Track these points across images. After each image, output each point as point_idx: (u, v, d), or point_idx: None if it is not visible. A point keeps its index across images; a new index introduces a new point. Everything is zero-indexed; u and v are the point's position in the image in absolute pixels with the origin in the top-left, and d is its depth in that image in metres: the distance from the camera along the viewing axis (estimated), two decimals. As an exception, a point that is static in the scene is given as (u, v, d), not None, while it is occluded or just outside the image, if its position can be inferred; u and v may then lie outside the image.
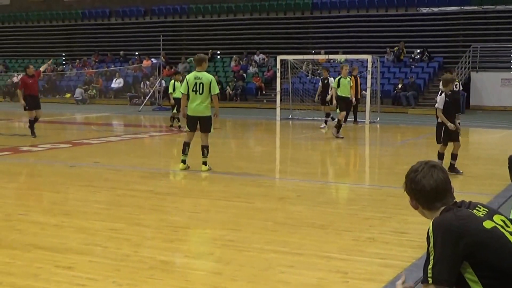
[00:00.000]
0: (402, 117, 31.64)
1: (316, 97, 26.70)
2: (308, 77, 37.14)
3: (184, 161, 14.39)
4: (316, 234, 8.79)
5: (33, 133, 21.31)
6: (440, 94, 13.59)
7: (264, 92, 40.60)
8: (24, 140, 21.06)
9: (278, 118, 28.86)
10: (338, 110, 22.15)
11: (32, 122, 21.43)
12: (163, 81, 39.66)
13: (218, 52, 45.21)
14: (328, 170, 15.39)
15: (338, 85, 22.17)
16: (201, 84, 13.88)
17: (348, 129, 24.79)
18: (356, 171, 16.22)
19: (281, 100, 29.80)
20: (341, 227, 9.16)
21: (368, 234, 8.73)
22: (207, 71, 14.27)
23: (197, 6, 46.82)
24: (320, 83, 26.39)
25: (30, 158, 16.87)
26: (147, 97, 39.33)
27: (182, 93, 14.57)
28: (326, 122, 25.60)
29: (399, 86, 36.57)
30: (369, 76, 28.15)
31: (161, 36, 40.34)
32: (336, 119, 21.62)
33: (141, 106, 37.03)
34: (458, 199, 4.15)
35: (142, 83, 43.03)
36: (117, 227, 9.20)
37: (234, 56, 43.51)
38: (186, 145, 14.35)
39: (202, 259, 7.71)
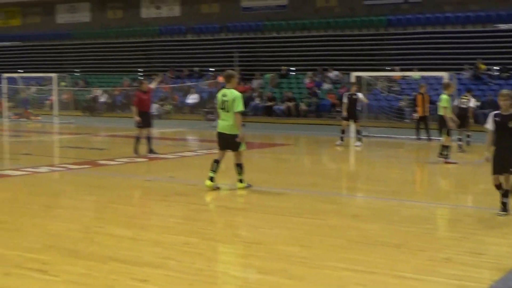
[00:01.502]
0: (481, 135, 31.08)
1: (344, 112, 26.17)
2: (383, 94, 36.93)
3: (211, 179, 13.77)
4: (390, 253, 8.71)
5: (136, 152, 20.38)
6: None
7: (338, 109, 40.43)
8: (102, 154, 21.44)
9: (352, 135, 28.72)
10: (442, 133, 19.83)
11: (139, 140, 20.47)
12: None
13: (293, 68, 45.26)
14: (402, 188, 15.21)
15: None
16: (226, 102, 13.60)
17: (422, 147, 24.58)
18: (432, 189, 15.99)
19: (355, 117, 29.69)
20: (415, 247, 9.05)
21: (444, 254, 8.60)
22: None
23: (272, 23, 47.02)
24: (346, 99, 25.89)
25: (107, 171, 17.17)
26: (222, 113, 39.57)
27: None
28: (342, 138, 25.36)
29: (477, 103, 36.03)
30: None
31: (236, 52, 40.63)
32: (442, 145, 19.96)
33: (215, 121, 37.21)
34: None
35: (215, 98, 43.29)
36: (191, 241, 9.28)
37: (309, 72, 43.49)
38: (215, 162, 13.85)
39: (275, 275, 7.70)
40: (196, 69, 46.81)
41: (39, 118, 40.44)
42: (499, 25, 40.23)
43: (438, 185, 16.81)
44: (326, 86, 41.98)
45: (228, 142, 13.83)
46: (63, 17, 56.56)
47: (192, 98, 44.75)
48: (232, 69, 40.71)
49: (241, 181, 13.95)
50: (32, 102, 44.42)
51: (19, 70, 46.54)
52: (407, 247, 9.01)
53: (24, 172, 16.60)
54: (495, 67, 38.74)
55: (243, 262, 8.26)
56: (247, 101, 42.37)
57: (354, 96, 25.63)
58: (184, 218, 11.27)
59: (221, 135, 13.95)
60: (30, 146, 26.12)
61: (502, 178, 11.38)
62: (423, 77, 34.79)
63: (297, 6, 46.49)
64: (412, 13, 42.84)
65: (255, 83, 44.53)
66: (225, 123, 13.80)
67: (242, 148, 13.86)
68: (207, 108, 42.06)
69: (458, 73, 36.77)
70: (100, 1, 54.34)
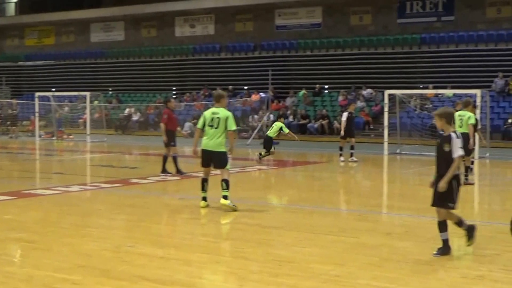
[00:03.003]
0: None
1: (342, 131, 26.30)
2: (416, 112, 36.86)
3: (204, 198, 14.06)
4: (423, 270, 8.66)
5: (165, 171, 20.15)
6: None
7: (371, 127, 40.39)
8: (134, 173, 21.52)
9: (385, 152, 28.67)
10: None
11: (166, 158, 20.10)
12: (271, 115, 40.00)
13: (326, 86, 45.28)
14: (436, 206, 15.09)
15: None
16: (218, 119, 13.67)
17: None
18: (465, 207, 15.86)
19: (388, 134, 29.66)
20: (448, 264, 9.01)
21: (477, 272, 8.55)
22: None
23: (305, 41, 47.13)
24: (345, 117, 26.13)
25: (139, 190, 17.23)
26: (255, 131, 39.68)
27: (197, 128, 14.30)
28: (341, 155, 25.94)
29: (509, 120, 35.81)
30: (478, 111, 27.61)
31: (270, 70, 40.71)
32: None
33: (250, 140, 37.33)
34: None
35: (250, 117, 43.45)
36: (223, 260, 9.29)
37: (342, 90, 43.49)
38: (204, 181, 14.07)
39: (307, 294, 7.68)
40: (230, 87, 46.94)
41: (72, 137, 40.76)
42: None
43: (471, 202, 16.65)
44: (360, 104, 41.90)
45: (214, 159, 13.86)
46: (97, 36, 57.14)
47: (225, 116, 44.84)
48: (266, 87, 40.96)
49: (225, 197, 13.59)
50: (65, 121, 44.76)
51: (52, 89, 46.96)
52: (440, 264, 8.96)
53: (55, 191, 16.55)
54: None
55: (275, 281, 8.22)
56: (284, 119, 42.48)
57: (353, 115, 26.54)
58: (216, 237, 11.29)
59: (206, 152, 13.90)
60: (62, 165, 26.35)
61: None
62: (455, 95, 34.69)
63: (331, 25, 46.63)
64: (445, 31, 42.79)
65: (289, 101, 44.59)
66: (211, 141, 13.79)
67: (228, 166, 13.92)
68: (241, 127, 42.17)
69: (491, 90, 36.64)
70: (134, 20, 54.82)
